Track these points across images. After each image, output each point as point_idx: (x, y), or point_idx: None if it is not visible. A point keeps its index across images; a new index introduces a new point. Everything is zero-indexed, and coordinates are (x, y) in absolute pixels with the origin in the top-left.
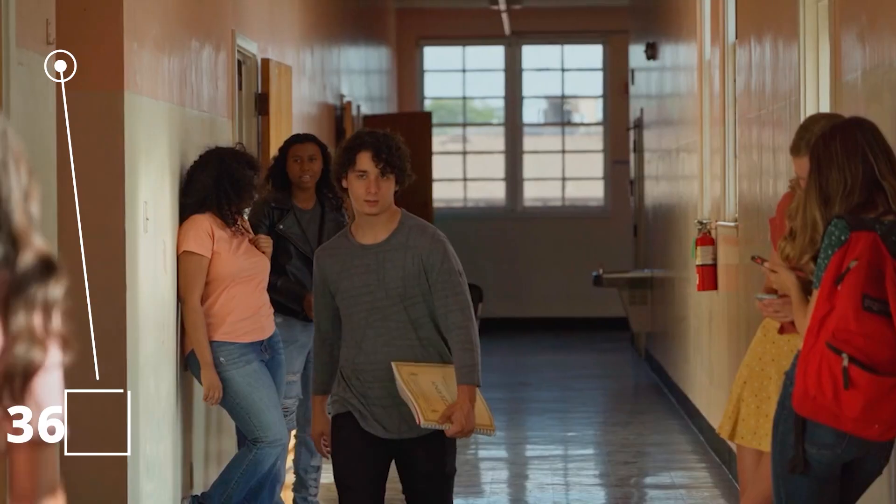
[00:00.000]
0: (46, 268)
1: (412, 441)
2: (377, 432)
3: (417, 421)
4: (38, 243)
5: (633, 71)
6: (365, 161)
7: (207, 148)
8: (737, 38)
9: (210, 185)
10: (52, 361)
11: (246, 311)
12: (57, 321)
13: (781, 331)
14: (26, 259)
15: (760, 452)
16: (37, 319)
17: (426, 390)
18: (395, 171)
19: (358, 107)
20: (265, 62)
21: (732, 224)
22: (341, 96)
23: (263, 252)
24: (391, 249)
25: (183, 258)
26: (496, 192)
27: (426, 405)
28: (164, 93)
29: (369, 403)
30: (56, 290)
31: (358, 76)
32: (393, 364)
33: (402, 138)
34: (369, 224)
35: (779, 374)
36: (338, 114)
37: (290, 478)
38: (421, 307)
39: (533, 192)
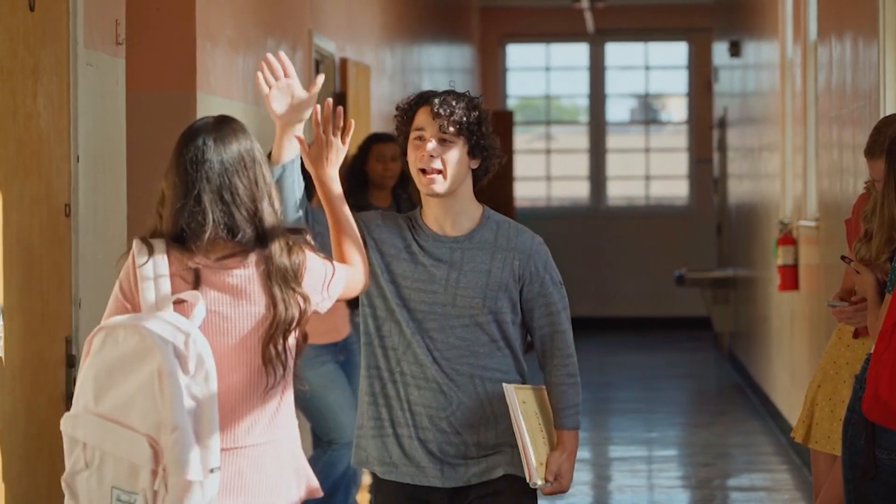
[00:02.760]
0: (288, 247)
1: (464, 491)
2: (415, 479)
3: (528, 478)
4: (281, 230)
5: (716, 69)
6: (422, 117)
7: None
8: (818, 36)
9: None
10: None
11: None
12: (303, 283)
13: (856, 335)
14: (273, 243)
15: (834, 456)
16: (287, 285)
17: (533, 427)
18: (464, 134)
19: None
20: (343, 61)
21: (813, 224)
22: None
23: None
24: (473, 248)
25: None
26: (580, 190)
27: (536, 454)
28: (239, 93)
29: (409, 434)
30: (295, 262)
31: (440, 75)
32: (507, 387)
33: (483, 103)
34: (437, 210)
35: (853, 378)
36: None
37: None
38: (495, 328)
39: (617, 191)
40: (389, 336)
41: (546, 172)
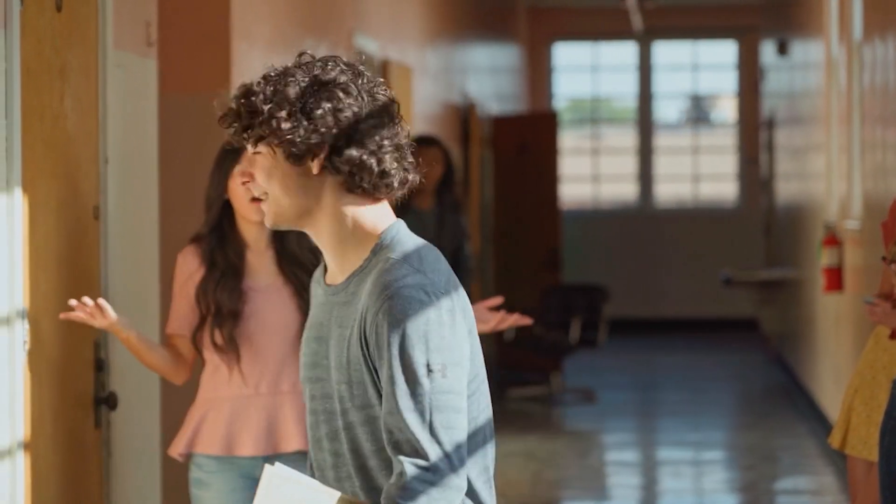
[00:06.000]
0: None
1: None
2: None
3: None
4: None
5: (763, 68)
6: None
7: None
8: (863, 35)
9: None
10: None
11: None
12: None
13: (893, 336)
14: None
15: (871, 462)
16: None
17: None
18: (260, 138)
19: (485, 106)
20: (385, 62)
21: (858, 225)
22: (467, 96)
23: None
24: (342, 303)
25: None
26: (628, 191)
27: None
28: None
29: None
30: None
31: (486, 75)
32: (269, 468)
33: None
34: (324, 252)
35: (890, 383)
36: (463, 114)
37: None
38: (372, 427)
39: (666, 191)
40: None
41: (593, 173)
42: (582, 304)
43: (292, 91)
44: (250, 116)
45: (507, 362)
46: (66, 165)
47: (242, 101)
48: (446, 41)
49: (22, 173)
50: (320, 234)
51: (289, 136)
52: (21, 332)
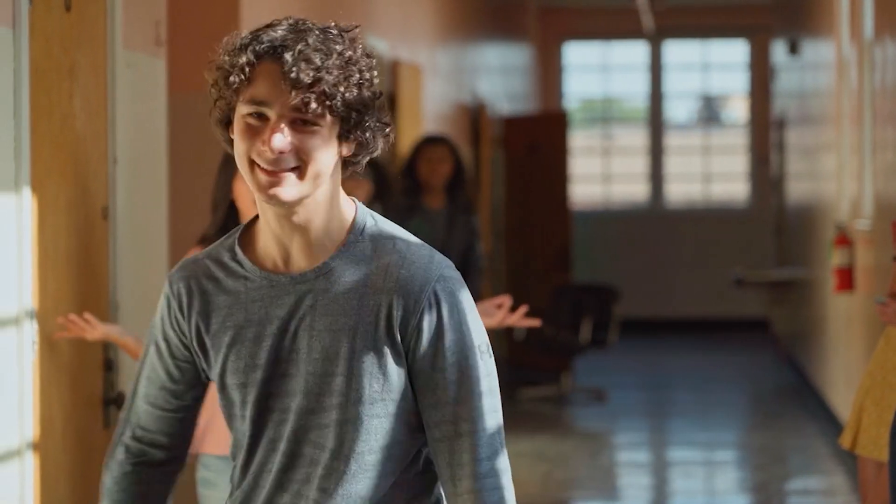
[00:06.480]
0: None
1: None
2: None
3: None
4: None
5: (774, 68)
6: (266, 82)
7: None
8: (874, 35)
9: None
10: None
11: None
12: None
13: None
14: None
15: (881, 463)
16: None
17: None
18: (339, 113)
19: (496, 106)
20: (395, 61)
21: (869, 224)
22: (477, 95)
23: None
24: (326, 289)
25: None
26: (639, 191)
27: None
28: None
29: None
30: None
31: (497, 75)
32: None
33: (362, 40)
34: (277, 229)
35: None
36: (473, 114)
37: None
38: (369, 425)
39: (676, 191)
40: (236, 462)
41: (604, 173)
42: (592, 304)
43: (365, 63)
44: (361, 101)
45: (517, 362)
46: (74, 165)
47: (356, 84)
48: (457, 41)
49: (30, 173)
50: (303, 217)
51: (376, 112)
52: (30, 331)
